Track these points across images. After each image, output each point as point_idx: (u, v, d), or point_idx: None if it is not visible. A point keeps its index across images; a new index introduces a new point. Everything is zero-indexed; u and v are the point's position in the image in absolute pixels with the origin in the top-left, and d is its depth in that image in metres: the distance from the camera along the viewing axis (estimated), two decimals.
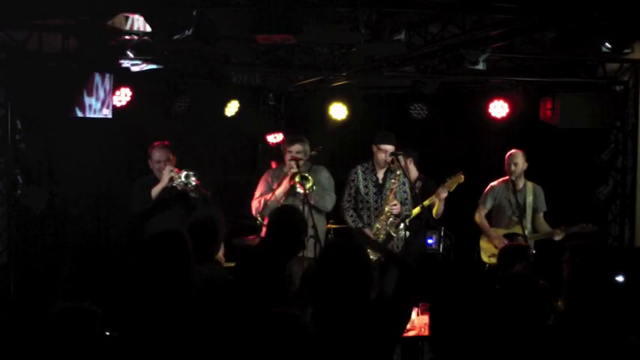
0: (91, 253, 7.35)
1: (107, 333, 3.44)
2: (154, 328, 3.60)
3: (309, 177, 6.23)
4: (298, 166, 6.25)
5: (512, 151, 7.01)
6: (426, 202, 6.81)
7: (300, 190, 6.19)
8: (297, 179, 6.19)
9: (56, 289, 6.66)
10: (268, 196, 6.34)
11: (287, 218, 4.43)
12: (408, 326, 5.30)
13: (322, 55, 7.54)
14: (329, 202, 6.51)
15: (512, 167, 6.93)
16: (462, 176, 6.98)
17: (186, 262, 3.78)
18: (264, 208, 6.31)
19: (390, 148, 6.59)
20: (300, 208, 6.26)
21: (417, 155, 7.36)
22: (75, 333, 2.57)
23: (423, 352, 5.57)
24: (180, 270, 3.74)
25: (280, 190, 6.33)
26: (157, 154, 6.18)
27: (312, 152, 6.49)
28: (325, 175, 6.58)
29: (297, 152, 6.35)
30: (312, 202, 6.23)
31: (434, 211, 7.02)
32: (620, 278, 5.43)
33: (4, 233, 6.53)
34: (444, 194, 6.83)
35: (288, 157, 6.39)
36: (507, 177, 7.02)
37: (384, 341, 3.27)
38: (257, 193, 6.50)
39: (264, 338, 2.41)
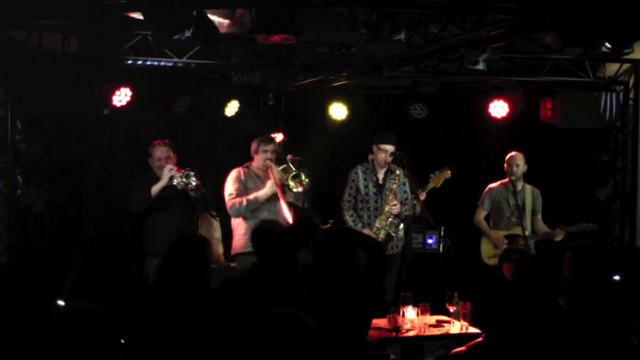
0: (92, 253, 7.36)
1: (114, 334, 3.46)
2: (161, 330, 3.62)
3: (301, 172, 6.21)
4: (295, 165, 6.23)
5: (513, 153, 7.00)
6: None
7: (299, 189, 6.16)
8: (290, 180, 6.17)
9: (60, 289, 6.65)
10: (251, 197, 6.19)
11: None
12: (408, 326, 5.32)
13: (322, 55, 7.54)
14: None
15: (514, 168, 6.92)
16: (449, 172, 6.96)
17: (204, 268, 3.86)
18: (245, 209, 6.16)
19: (390, 148, 6.60)
20: (300, 204, 6.28)
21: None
22: (82, 334, 2.57)
23: (423, 352, 5.56)
24: (199, 275, 3.81)
25: (265, 192, 6.19)
26: (158, 152, 6.17)
27: (282, 154, 6.44)
28: None
29: (272, 151, 6.34)
30: (292, 199, 6.22)
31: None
32: (616, 277, 5.43)
33: (4, 233, 6.53)
34: (423, 196, 6.87)
35: (262, 156, 6.30)
36: (506, 179, 7.02)
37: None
38: (232, 191, 6.27)
39: (268, 338, 2.40)
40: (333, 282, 3.46)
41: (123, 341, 3.32)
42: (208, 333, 3.63)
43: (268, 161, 6.25)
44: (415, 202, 6.81)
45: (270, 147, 6.34)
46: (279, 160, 6.45)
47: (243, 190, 6.27)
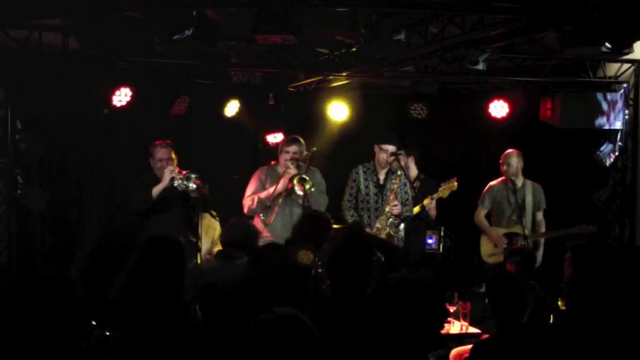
0: (93, 254, 7.36)
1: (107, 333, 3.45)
2: (153, 330, 3.61)
3: (308, 178, 6.22)
4: (298, 167, 6.24)
5: (508, 150, 7.04)
6: (426, 202, 6.82)
7: (300, 191, 6.17)
8: (296, 181, 6.18)
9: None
10: (263, 195, 6.29)
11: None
12: None
13: (322, 55, 7.54)
14: (323, 205, 6.45)
15: (505, 167, 6.97)
16: (455, 183, 6.98)
17: (179, 267, 3.84)
18: (257, 206, 6.27)
19: (391, 148, 6.59)
20: (299, 209, 6.28)
21: (417, 153, 7.37)
22: None
23: None
24: (173, 275, 3.78)
25: (277, 190, 6.27)
26: (160, 153, 6.18)
27: (306, 154, 6.44)
28: (318, 177, 6.56)
29: (294, 152, 6.34)
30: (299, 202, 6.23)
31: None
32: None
33: (4, 233, 6.53)
34: (432, 204, 6.87)
35: (284, 157, 6.35)
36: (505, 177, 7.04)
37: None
38: (249, 191, 6.42)
39: (266, 339, 2.39)
40: (354, 276, 3.48)
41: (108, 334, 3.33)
42: (185, 335, 3.62)
43: (288, 162, 6.27)
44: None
45: (291, 148, 6.35)
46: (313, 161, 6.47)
47: (261, 189, 6.36)
